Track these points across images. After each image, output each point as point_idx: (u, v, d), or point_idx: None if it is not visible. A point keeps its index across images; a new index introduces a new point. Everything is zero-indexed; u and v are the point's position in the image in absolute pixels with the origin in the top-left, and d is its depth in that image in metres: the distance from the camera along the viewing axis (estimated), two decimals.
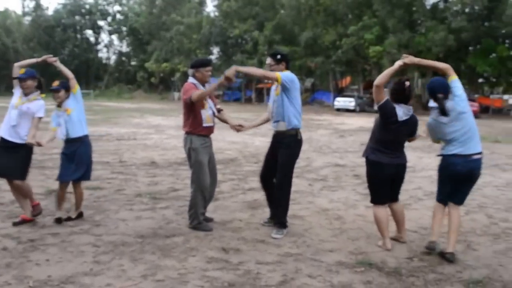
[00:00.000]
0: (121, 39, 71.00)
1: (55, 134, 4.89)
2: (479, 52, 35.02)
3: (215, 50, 53.00)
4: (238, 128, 5.02)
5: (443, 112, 4.00)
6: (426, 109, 24.43)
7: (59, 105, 4.92)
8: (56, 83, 4.88)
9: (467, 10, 33.60)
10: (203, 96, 4.67)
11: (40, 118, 4.75)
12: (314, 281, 3.56)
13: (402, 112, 4.15)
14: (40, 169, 7.65)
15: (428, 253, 4.20)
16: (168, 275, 3.59)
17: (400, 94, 4.19)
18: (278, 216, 4.75)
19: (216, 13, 52.29)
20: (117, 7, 69.96)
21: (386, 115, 4.17)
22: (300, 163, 9.40)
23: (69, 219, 4.96)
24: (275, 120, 4.75)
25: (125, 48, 72.18)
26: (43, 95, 4.87)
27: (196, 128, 4.74)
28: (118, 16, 69.98)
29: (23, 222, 4.75)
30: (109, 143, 12.07)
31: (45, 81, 4.98)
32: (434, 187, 4.51)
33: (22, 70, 4.73)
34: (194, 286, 3.42)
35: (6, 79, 52.35)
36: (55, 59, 5.09)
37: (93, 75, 67.94)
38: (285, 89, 4.63)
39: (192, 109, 4.72)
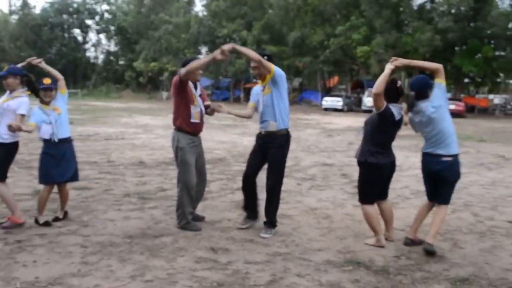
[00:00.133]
0: (109, 38, 70.49)
1: (33, 129, 4.68)
2: (465, 52, 35.45)
3: (204, 49, 52.86)
4: (218, 108, 4.85)
5: (410, 108, 4.23)
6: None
7: (46, 103, 4.77)
8: (49, 81, 4.76)
9: (453, 11, 33.94)
10: (192, 69, 4.60)
11: (22, 115, 4.59)
12: (303, 280, 3.58)
13: (396, 111, 4.22)
14: (27, 169, 7.57)
15: (415, 251, 4.25)
16: (157, 276, 3.58)
17: (394, 93, 4.25)
18: (269, 216, 4.75)
19: (205, 13, 52.18)
20: (105, 6, 69.50)
21: (386, 118, 4.20)
22: (288, 162, 9.39)
23: (57, 219, 4.92)
24: (264, 120, 4.69)
25: (113, 47, 71.76)
26: (29, 93, 4.76)
27: (183, 123, 4.74)
28: (106, 15, 69.48)
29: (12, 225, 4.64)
30: (97, 143, 11.98)
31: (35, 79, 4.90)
32: (420, 186, 4.59)
33: (5, 67, 4.68)
34: (183, 286, 3.42)
35: None
36: (39, 60, 5.01)
37: (80, 75, 67.28)
38: (275, 84, 4.62)
39: (181, 102, 4.73)
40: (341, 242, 4.54)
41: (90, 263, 3.80)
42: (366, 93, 33.18)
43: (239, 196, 6.33)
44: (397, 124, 4.27)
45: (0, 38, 61.08)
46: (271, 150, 4.68)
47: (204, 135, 5.03)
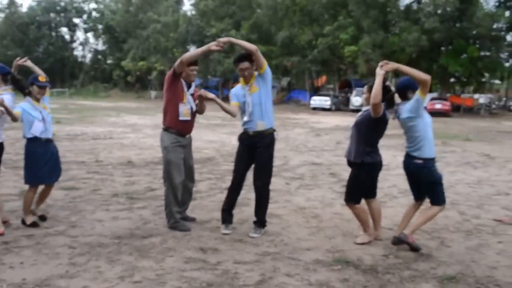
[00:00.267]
0: (97, 37, 69.83)
1: (17, 117, 4.48)
2: (451, 52, 35.85)
3: (192, 48, 52.62)
4: (205, 94, 4.64)
5: (391, 106, 4.30)
6: None
7: (36, 100, 4.66)
8: (44, 79, 4.67)
9: (439, 11, 34.26)
10: (186, 59, 4.57)
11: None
12: (292, 280, 3.59)
13: (387, 111, 4.26)
14: (14, 169, 7.47)
15: (403, 250, 4.29)
16: (146, 276, 3.57)
17: (385, 94, 4.28)
18: (259, 216, 4.75)
19: (193, 12, 52.00)
20: (93, 5, 68.89)
21: (382, 120, 4.24)
22: (277, 161, 9.43)
23: (43, 218, 4.87)
24: (251, 120, 4.61)
25: (101, 46, 71.13)
26: (12, 90, 4.65)
27: (172, 121, 4.72)
28: (94, 13, 68.79)
29: None
30: (84, 143, 11.88)
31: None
32: (408, 185, 4.62)
33: None
34: (172, 287, 3.41)
35: None
36: (25, 59, 4.93)
37: (68, 74, 66.59)
38: (264, 81, 4.62)
39: (170, 99, 4.71)
40: (330, 241, 4.56)
41: (78, 264, 3.77)
42: (354, 92, 33.35)
43: None
44: (387, 123, 4.33)
45: None
46: (259, 150, 4.65)
47: (193, 134, 5.02)
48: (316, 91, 43.63)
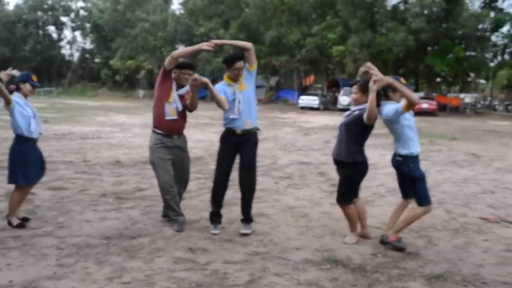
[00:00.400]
0: (84, 35, 69.24)
1: (10, 100, 4.39)
2: (437, 52, 36.24)
3: (180, 48, 52.46)
4: (199, 78, 4.46)
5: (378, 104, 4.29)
6: None
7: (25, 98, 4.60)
8: (36, 79, 4.64)
9: (426, 12, 34.59)
10: (175, 56, 4.55)
11: None
12: (281, 280, 3.60)
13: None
14: (0, 169, 7.39)
15: (392, 249, 4.32)
16: (135, 277, 3.55)
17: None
18: (247, 213, 4.78)
19: (182, 11, 51.85)
20: (80, 3, 68.61)
21: (373, 122, 4.27)
22: (265, 161, 9.47)
23: (26, 219, 4.80)
24: (240, 118, 4.57)
25: (88, 45, 70.53)
26: None
27: (158, 121, 4.71)
28: (82, 12, 68.17)
29: None
30: (72, 142, 11.77)
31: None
32: (396, 184, 4.66)
33: None
34: (161, 287, 3.40)
35: None
36: (10, 70, 4.81)
37: (55, 72, 65.88)
38: (251, 79, 4.67)
39: (157, 98, 4.69)
40: (319, 240, 4.58)
41: (66, 265, 3.74)
42: (342, 92, 33.50)
43: None
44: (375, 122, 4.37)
45: None
46: (245, 148, 4.65)
47: None
48: (304, 91, 43.78)
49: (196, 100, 4.72)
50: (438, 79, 42.66)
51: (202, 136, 13.88)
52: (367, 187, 4.85)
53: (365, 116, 4.13)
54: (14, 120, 4.50)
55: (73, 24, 68.73)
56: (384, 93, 4.29)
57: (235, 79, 4.61)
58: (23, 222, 4.70)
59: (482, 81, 50.89)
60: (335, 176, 4.63)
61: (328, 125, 19.84)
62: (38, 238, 4.36)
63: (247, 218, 4.78)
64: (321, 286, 3.51)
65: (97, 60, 67.28)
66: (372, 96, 4.01)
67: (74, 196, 6.04)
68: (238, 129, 4.62)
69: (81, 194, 6.16)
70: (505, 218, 5.56)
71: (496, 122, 27.26)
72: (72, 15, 68.26)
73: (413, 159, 4.27)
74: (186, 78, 4.70)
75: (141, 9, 52.58)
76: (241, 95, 4.58)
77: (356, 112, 4.31)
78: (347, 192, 4.46)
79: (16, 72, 4.79)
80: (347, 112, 4.51)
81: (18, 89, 4.58)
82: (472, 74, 41.69)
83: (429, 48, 38.21)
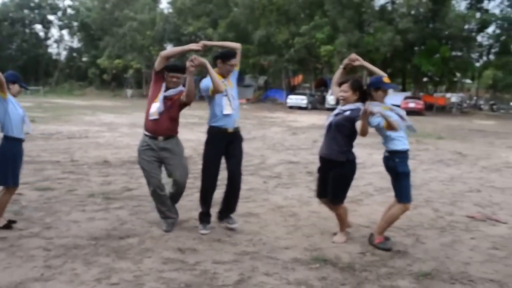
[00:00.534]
0: (72, 34, 68.39)
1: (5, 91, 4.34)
2: (424, 52, 36.58)
3: (169, 47, 52.21)
4: (197, 59, 4.48)
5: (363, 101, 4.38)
6: None
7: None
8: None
9: (413, 12, 34.90)
10: (164, 56, 4.57)
11: None
12: (271, 279, 3.61)
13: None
14: None
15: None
16: (123, 278, 3.53)
17: (363, 93, 4.35)
18: (232, 208, 4.84)
19: (170, 10, 51.60)
20: (67, 2, 68.13)
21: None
22: (254, 160, 9.47)
23: (13, 221, 4.73)
24: (231, 115, 4.57)
25: (76, 44, 69.70)
26: None
27: (145, 122, 4.70)
28: (69, 10, 67.27)
29: None
30: (59, 142, 11.65)
31: None
32: (384, 183, 4.71)
33: None
34: None
35: None
36: None
37: (42, 71, 65.01)
38: (235, 78, 4.72)
39: (149, 100, 4.67)
40: (308, 239, 4.60)
41: (54, 266, 3.70)
42: (330, 91, 33.64)
43: None
44: None
45: None
46: (234, 146, 4.69)
47: None
48: (292, 90, 43.85)
49: (193, 88, 4.55)
50: (425, 79, 43.11)
51: (191, 136, 13.82)
52: (355, 186, 4.88)
53: (358, 130, 4.14)
54: (7, 120, 4.43)
55: (60, 23, 67.89)
56: (368, 91, 4.34)
57: (225, 75, 4.64)
58: (10, 223, 4.63)
59: (468, 81, 51.45)
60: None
61: (316, 124, 19.92)
62: (25, 239, 4.31)
63: (231, 212, 4.81)
64: (310, 285, 3.52)
65: (84, 59, 66.62)
66: (361, 122, 4.04)
67: (62, 197, 5.98)
68: (230, 128, 4.61)
69: (68, 194, 6.10)
70: (491, 216, 5.64)
71: (481, 122, 27.62)
72: (59, 13, 67.38)
73: (399, 154, 4.30)
74: (173, 81, 4.63)
75: (129, 7, 52.21)
76: (232, 91, 4.64)
77: (348, 113, 4.27)
78: (341, 191, 4.44)
79: None
80: (336, 111, 4.45)
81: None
82: (458, 74, 42.16)
83: (416, 48, 38.57)
